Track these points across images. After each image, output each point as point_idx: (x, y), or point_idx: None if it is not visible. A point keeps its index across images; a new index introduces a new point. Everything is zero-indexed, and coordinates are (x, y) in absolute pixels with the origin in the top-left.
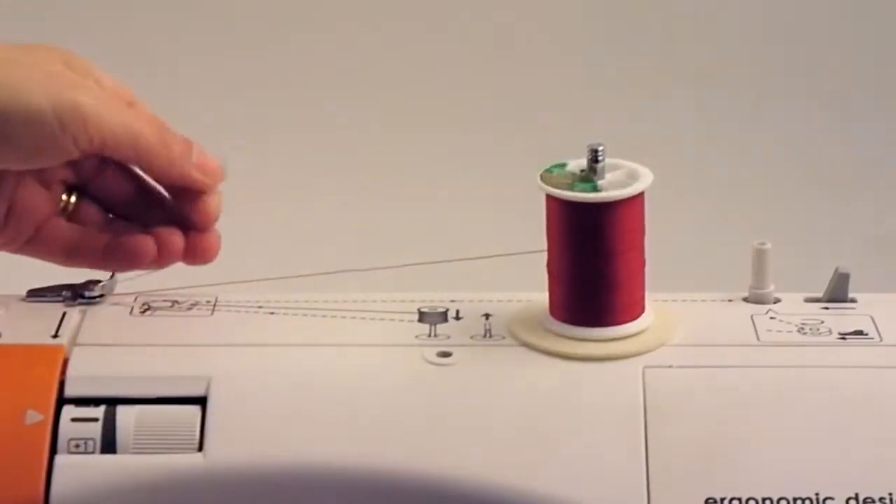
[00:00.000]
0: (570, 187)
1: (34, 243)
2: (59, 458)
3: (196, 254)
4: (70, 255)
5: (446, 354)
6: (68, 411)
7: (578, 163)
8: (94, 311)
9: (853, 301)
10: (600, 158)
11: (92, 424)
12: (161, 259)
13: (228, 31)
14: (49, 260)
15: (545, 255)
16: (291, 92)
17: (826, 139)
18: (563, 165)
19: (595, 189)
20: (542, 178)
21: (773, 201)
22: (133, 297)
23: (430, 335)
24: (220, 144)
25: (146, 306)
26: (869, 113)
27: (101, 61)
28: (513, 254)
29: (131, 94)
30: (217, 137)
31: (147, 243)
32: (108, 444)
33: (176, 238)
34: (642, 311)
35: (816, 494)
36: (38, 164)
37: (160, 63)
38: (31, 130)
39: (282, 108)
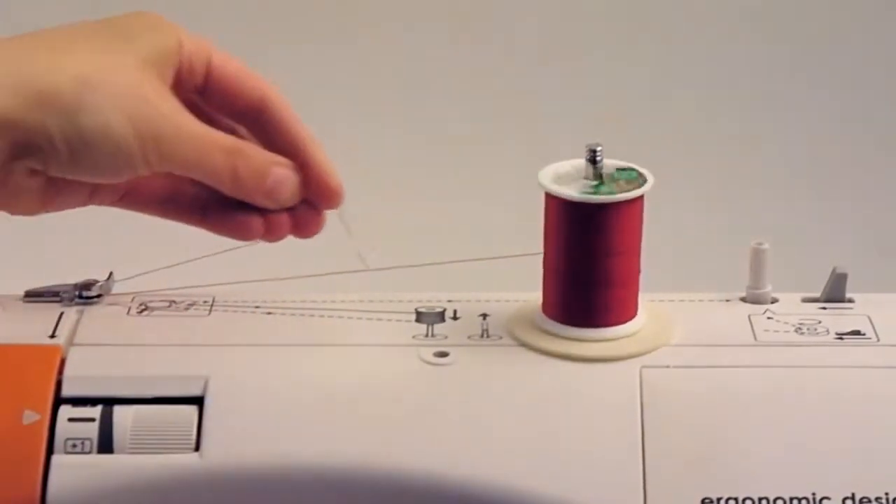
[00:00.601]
0: (568, 186)
1: (130, 196)
2: (56, 458)
3: (302, 229)
4: (166, 208)
5: (443, 354)
6: (65, 411)
7: (578, 162)
8: (91, 311)
9: (850, 301)
10: (598, 158)
11: (89, 424)
12: (269, 236)
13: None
14: (146, 212)
15: (541, 256)
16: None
17: (824, 139)
18: (564, 165)
19: (599, 189)
20: (541, 176)
21: (770, 201)
22: (130, 298)
23: (427, 335)
24: None
25: (143, 306)
26: (867, 112)
27: None
28: (510, 256)
29: None
30: None
31: (255, 222)
32: (105, 444)
33: (283, 219)
34: (639, 311)
35: (813, 494)
36: (108, 180)
37: None
38: (108, 153)
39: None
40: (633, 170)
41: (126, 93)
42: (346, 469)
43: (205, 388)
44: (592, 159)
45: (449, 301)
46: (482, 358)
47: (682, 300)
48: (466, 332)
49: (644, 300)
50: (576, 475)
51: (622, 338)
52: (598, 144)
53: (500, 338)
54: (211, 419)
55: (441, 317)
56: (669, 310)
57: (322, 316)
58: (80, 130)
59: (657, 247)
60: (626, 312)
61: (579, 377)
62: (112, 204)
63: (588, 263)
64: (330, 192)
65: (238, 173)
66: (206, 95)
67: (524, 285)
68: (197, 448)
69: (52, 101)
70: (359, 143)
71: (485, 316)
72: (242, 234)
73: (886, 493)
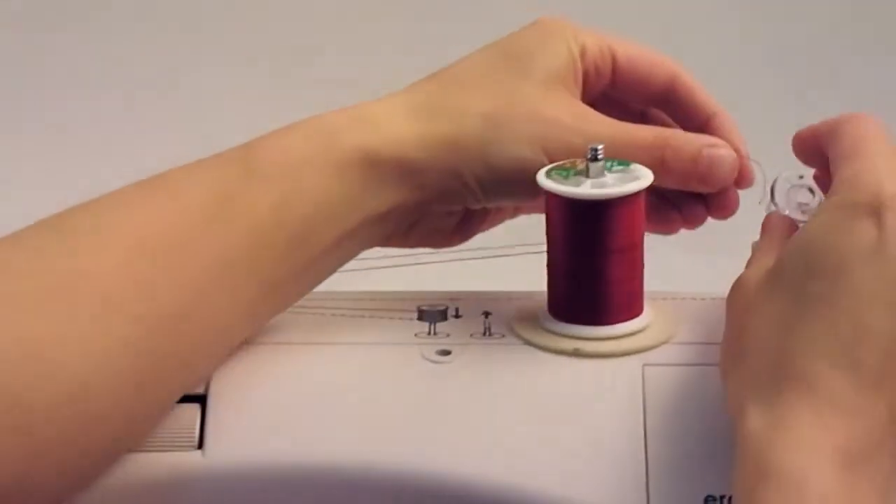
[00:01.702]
0: (570, 184)
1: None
2: None
3: (717, 212)
4: None
5: (446, 352)
6: None
7: (580, 162)
8: None
9: None
10: (600, 157)
11: None
12: (688, 225)
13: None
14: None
15: (544, 253)
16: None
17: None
18: (565, 163)
19: (595, 186)
20: (542, 174)
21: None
22: None
23: (429, 333)
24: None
25: None
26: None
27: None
28: (512, 254)
29: None
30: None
31: (675, 217)
32: None
33: (699, 209)
34: (642, 309)
35: None
36: (527, 202)
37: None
38: (521, 180)
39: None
40: (625, 162)
41: (529, 118)
42: (348, 467)
43: (207, 387)
44: (594, 158)
45: (451, 299)
46: (484, 356)
47: (684, 298)
48: (469, 330)
49: (647, 297)
50: (579, 473)
51: (625, 336)
52: (599, 143)
53: (503, 336)
54: (213, 417)
55: (443, 315)
56: (672, 307)
57: (324, 314)
58: (490, 167)
59: (660, 245)
60: (629, 310)
61: (582, 375)
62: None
63: (590, 261)
64: (745, 168)
65: (668, 165)
66: (616, 88)
67: (526, 283)
68: (200, 446)
69: (459, 144)
70: None
71: (487, 314)
72: (664, 227)
73: None
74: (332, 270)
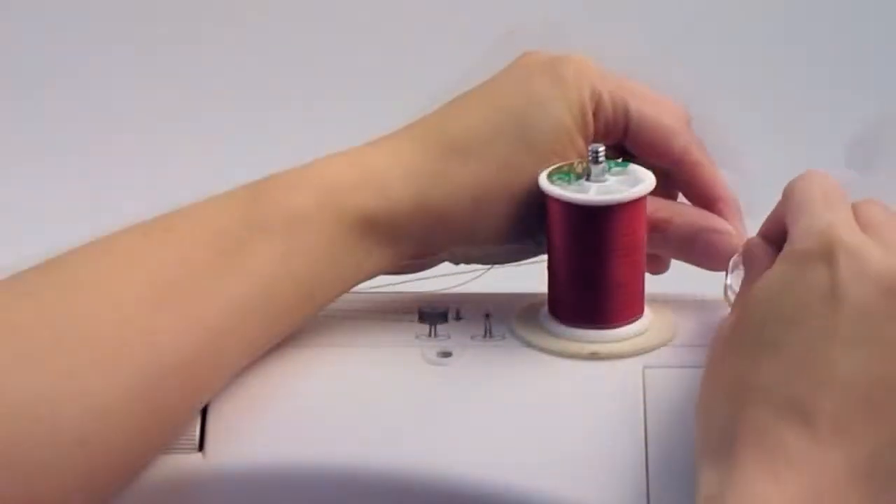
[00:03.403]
0: (573, 188)
1: None
2: None
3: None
4: None
5: (447, 354)
6: None
7: (581, 163)
8: None
9: None
10: (601, 159)
11: None
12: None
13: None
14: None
15: (545, 256)
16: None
17: (823, 137)
18: (566, 165)
19: (597, 191)
20: (544, 178)
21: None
22: None
23: (430, 335)
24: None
25: None
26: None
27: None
28: None
29: None
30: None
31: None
32: None
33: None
34: (642, 311)
35: None
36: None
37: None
38: (504, 251)
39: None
40: (625, 162)
41: (518, 199)
42: (348, 469)
43: None
44: (595, 160)
45: (452, 301)
46: (485, 357)
47: (684, 300)
48: (469, 331)
49: (648, 299)
50: (579, 474)
51: (625, 338)
52: (600, 145)
53: (503, 337)
54: (214, 419)
55: (444, 316)
56: (673, 309)
57: (325, 315)
58: (474, 242)
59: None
60: (629, 312)
61: (582, 377)
62: None
63: (592, 263)
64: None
65: (667, 238)
66: (629, 143)
67: (527, 285)
68: (200, 448)
69: (448, 220)
70: (360, 140)
71: (488, 315)
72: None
73: None
74: None
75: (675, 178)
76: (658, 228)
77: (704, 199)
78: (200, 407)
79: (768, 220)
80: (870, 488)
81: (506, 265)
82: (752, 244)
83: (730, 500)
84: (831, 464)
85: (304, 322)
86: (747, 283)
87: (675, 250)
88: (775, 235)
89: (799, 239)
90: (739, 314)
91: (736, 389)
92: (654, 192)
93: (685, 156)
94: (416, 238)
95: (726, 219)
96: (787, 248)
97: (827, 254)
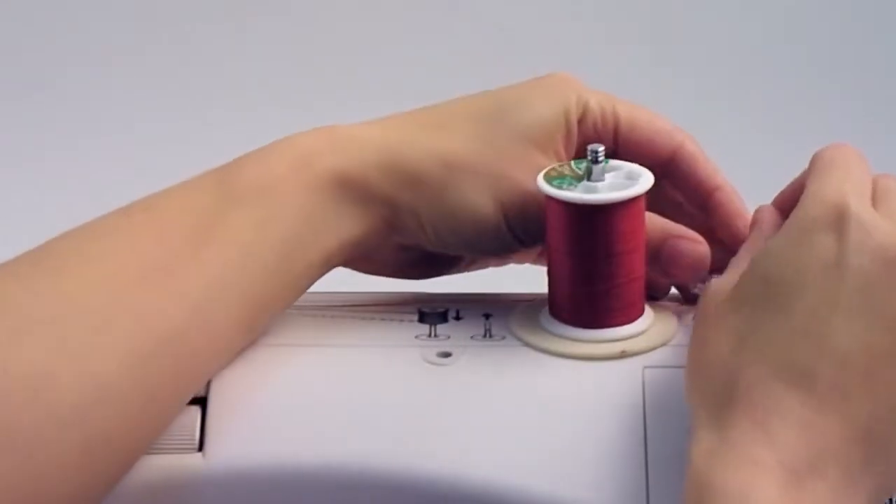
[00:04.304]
0: (572, 188)
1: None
2: None
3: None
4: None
5: (446, 354)
6: None
7: (579, 163)
8: None
9: None
10: (600, 159)
11: None
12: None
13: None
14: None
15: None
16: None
17: (823, 137)
18: (563, 166)
19: (595, 191)
20: (542, 179)
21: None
22: None
23: (430, 335)
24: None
25: None
26: (866, 109)
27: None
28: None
29: None
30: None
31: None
32: None
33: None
34: (642, 311)
35: None
36: (479, 254)
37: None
38: (473, 230)
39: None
40: (622, 162)
41: (494, 173)
42: (348, 469)
43: (208, 389)
44: (594, 160)
45: (452, 301)
46: (485, 358)
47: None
48: (469, 332)
49: (647, 299)
50: (579, 475)
51: (625, 338)
52: (598, 145)
53: (503, 338)
54: (214, 419)
55: (444, 317)
56: (673, 309)
57: (325, 316)
58: (445, 212)
59: None
60: (629, 312)
61: (582, 377)
62: (510, 262)
63: (592, 263)
64: (734, 242)
65: None
66: (617, 153)
67: (527, 285)
68: (200, 448)
69: (419, 182)
70: None
71: (488, 316)
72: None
73: None
74: (309, 287)
75: (669, 176)
76: None
77: (703, 190)
78: (199, 383)
79: (787, 189)
80: (865, 454)
81: (504, 266)
82: (762, 209)
83: (720, 459)
84: (827, 428)
85: (291, 285)
86: (749, 244)
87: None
88: (789, 206)
89: (811, 205)
90: (743, 274)
91: (736, 348)
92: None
93: (681, 150)
94: (388, 200)
95: (728, 205)
96: (797, 211)
97: (835, 223)
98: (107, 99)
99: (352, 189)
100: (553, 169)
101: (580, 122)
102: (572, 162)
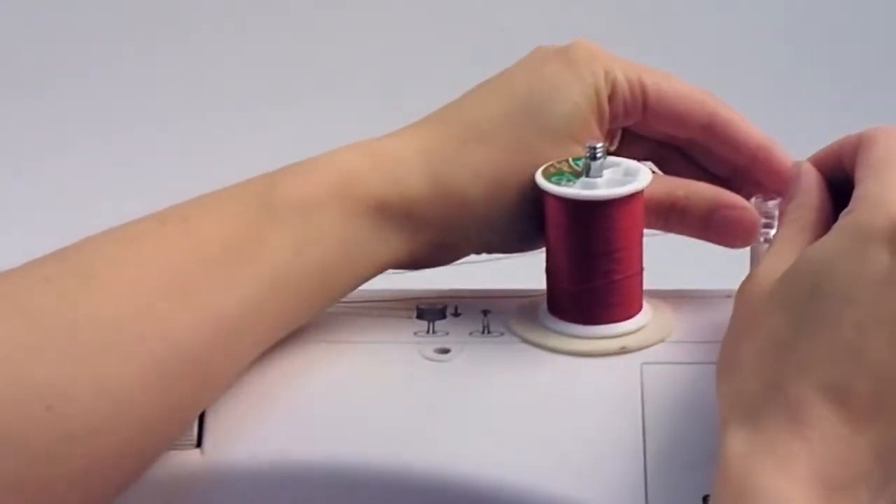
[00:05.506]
0: (570, 185)
1: None
2: None
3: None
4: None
5: (445, 351)
6: None
7: (577, 160)
8: None
9: None
10: (599, 156)
11: None
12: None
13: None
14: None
15: (543, 252)
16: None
17: (823, 136)
18: (562, 162)
19: (594, 187)
20: (540, 175)
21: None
22: None
23: (428, 332)
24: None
25: None
26: (866, 109)
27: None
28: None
29: None
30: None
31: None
32: None
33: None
34: (640, 307)
35: None
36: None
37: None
38: (517, 239)
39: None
40: (620, 158)
41: (532, 180)
42: (347, 465)
43: None
44: (593, 157)
45: (450, 297)
46: (483, 354)
47: (682, 297)
48: (468, 328)
49: (645, 296)
50: (577, 471)
51: (623, 334)
52: (597, 141)
53: (502, 334)
54: (212, 416)
55: (442, 313)
56: (671, 305)
57: (323, 312)
58: (491, 226)
59: (658, 243)
60: (627, 309)
61: (580, 374)
62: None
63: (590, 260)
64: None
65: (685, 217)
66: (647, 125)
67: (525, 281)
68: (199, 445)
69: (466, 204)
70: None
71: (486, 312)
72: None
73: None
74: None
75: (704, 144)
76: (675, 207)
77: (745, 152)
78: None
79: (827, 150)
80: (885, 474)
81: (509, 257)
82: (804, 169)
83: (759, 465)
84: (861, 447)
85: (318, 313)
86: (790, 228)
87: (692, 229)
88: (828, 168)
89: (867, 210)
90: (788, 273)
91: (775, 354)
92: (669, 172)
93: (715, 117)
94: (434, 224)
95: (773, 162)
96: (850, 214)
97: (891, 236)
98: (107, 99)
99: (394, 215)
100: (552, 165)
101: (610, 99)
102: (570, 158)
